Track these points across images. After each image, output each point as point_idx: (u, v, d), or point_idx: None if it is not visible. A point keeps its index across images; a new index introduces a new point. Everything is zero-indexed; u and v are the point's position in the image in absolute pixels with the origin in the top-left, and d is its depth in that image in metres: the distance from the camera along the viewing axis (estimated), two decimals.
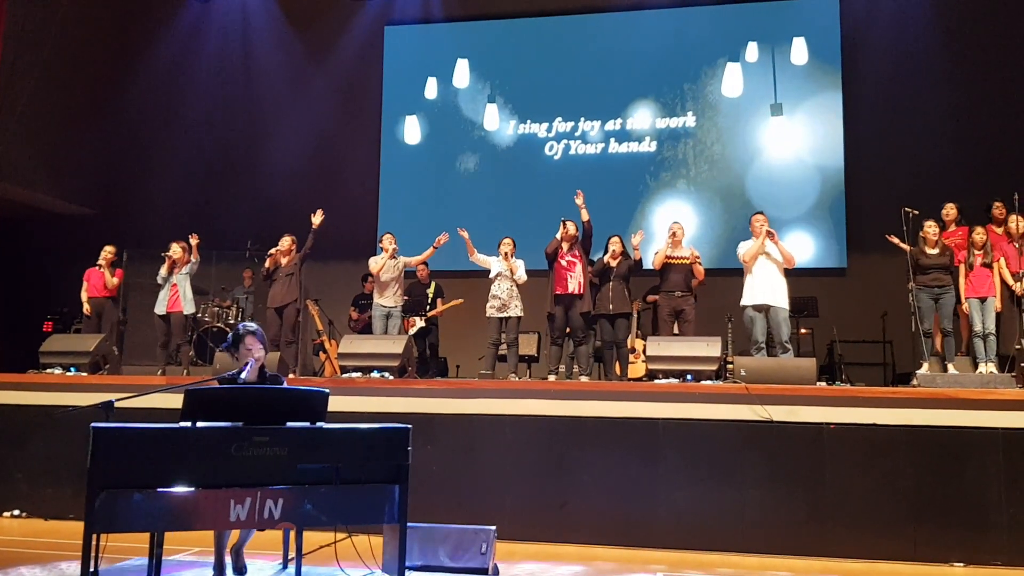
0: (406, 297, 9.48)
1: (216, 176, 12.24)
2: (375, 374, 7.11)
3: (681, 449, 6.20)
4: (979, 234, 7.61)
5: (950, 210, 8.10)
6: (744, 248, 7.67)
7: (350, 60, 12.20)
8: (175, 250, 8.64)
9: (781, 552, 5.91)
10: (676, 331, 7.95)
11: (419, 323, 9.47)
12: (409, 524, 4.10)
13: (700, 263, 7.95)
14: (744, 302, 7.55)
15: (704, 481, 6.11)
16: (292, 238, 8.72)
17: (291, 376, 7.84)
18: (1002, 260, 7.56)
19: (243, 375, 4.38)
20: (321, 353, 10.14)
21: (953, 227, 8.06)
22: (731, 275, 8.90)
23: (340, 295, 10.67)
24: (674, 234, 7.98)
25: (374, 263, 8.70)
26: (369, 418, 6.23)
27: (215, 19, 12.50)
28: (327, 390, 4.08)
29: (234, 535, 4.49)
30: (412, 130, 12.23)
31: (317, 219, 8.54)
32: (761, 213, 7.80)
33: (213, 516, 3.85)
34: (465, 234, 8.28)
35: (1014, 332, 7.17)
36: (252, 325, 4.66)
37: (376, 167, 12.21)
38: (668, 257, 7.94)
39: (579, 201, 8.05)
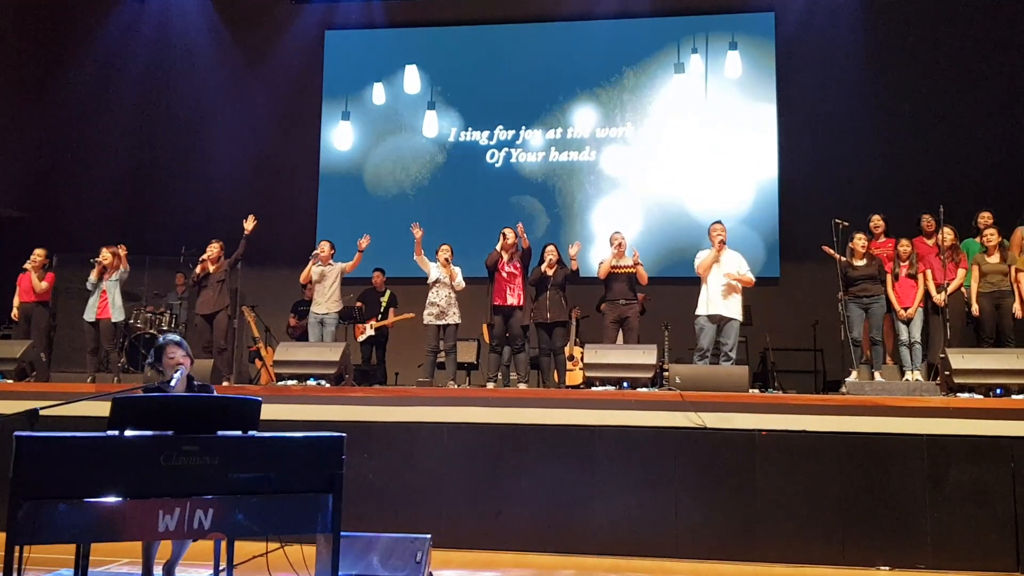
0: (359, 303, 9.43)
1: (151, 180, 12.02)
2: (311, 382, 7.04)
3: (616, 456, 6.26)
4: (904, 246, 7.86)
5: (878, 222, 8.35)
6: (699, 259, 7.76)
7: (289, 64, 12.08)
8: (105, 256, 8.46)
9: (713, 558, 5.99)
10: (620, 339, 8.04)
11: (368, 331, 9.40)
12: (343, 533, 4.05)
13: (641, 266, 8.04)
14: (699, 311, 7.63)
15: (639, 487, 6.17)
16: (220, 244, 8.60)
17: (225, 384, 7.72)
18: (928, 272, 7.79)
19: (173, 383, 4.30)
20: (257, 360, 10.01)
21: (882, 238, 8.30)
22: (669, 283, 9.06)
23: (278, 301, 10.54)
24: (619, 244, 8.05)
25: (304, 272, 8.63)
26: (305, 426, 6.19)
27: (150, 20, 12.27)
28: (259, 398, 4.02)
29: (167, 550, 4.41)
30: (349, 136, 12.15)
31: (249, 225, 8.44)
32: (719, 223, 7.86)
33: (141, 526, 3.75)
34: (418, 232, 8.24)
35: (940, 341, 7.42)
36: (173, 335, 4.60)
37: (315, 172, 12.10)
38: (613, 267, 8.01)
39: (520, 231, 8.10)
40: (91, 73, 12.02)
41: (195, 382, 4.67)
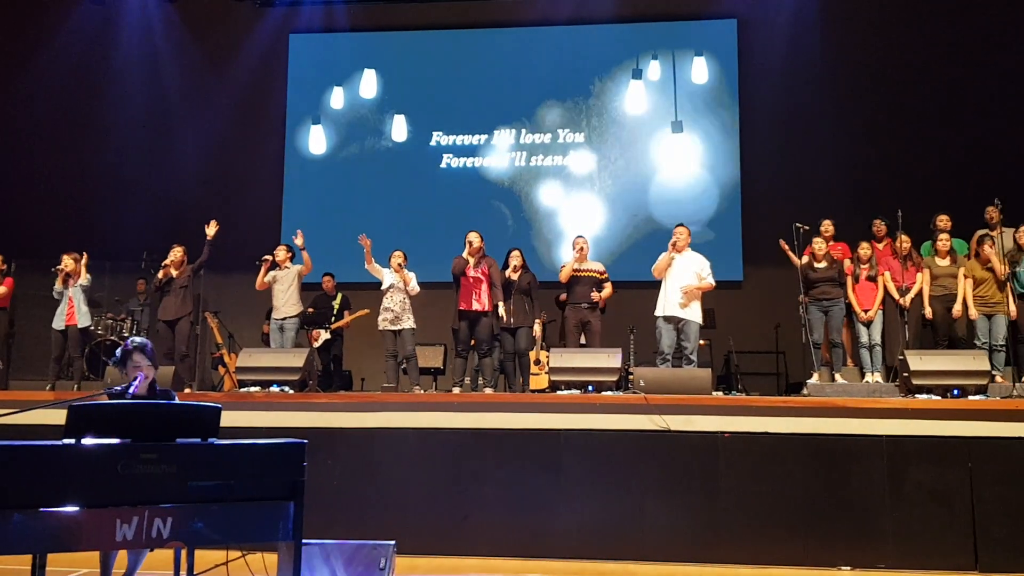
0: (311, 309, 9.35)
1: (112, 184, 11.83)
2: (274, 388, 6.98)
3: (582, 459, 6.27)
4: (864, 249, 7.98)
5: (828, 226, 8.45)
6: (657, 261, 7.79)
7: (253, 68, 11.97)
8: (67, 262, 8.35)
9: (678, 560, 6.03)
10: (583, 342, 8.06)
11: (324, 335, 9.34)
12: (305, 541, 4.02)
13: (608, 281, 8.04)
14: (657, 313, 7.67)
15: (604, 491, 6.19)
16: (183, 249, 8.50)
17: (187, 391, 7.64)
18: (887, 274, 7.92)
19: (131, 390, 4.25)
20: (220, 367, 9.90)
21: (832, 242, 8.40)
22: (635, 287, 9.10)
23: (242, 307, 10.44)
24: (580, 248, 8.08)
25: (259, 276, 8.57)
26: (268, 433, 6.11)
27: (111, 23, 12.08)
28: (219, 405, 3.97)
29: (123, 561, 4.35)
30: (317, 140, 12.08)
31: (211, 230, 8.35)
32: (682, 225, 7.89)
33: (98, 536, 3.69)
34: (366, 242, 8.20)
35: (899, 343, 7.53)
36: (140, 340, 4.53)
37: (279, 177, 12.01)
38: (575, 270, 8.03)
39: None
40: (50, 75, 11.81)
41: (158, 389, 4.61)
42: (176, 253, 8.42)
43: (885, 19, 11.02)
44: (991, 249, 7.59)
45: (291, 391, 6.98)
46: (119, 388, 4.33)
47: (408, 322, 8.06)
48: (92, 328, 9.20)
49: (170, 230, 9.77)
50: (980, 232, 8.03)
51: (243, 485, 3.90)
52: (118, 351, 4.53)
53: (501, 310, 7.98)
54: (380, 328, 8.09)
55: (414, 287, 8.13)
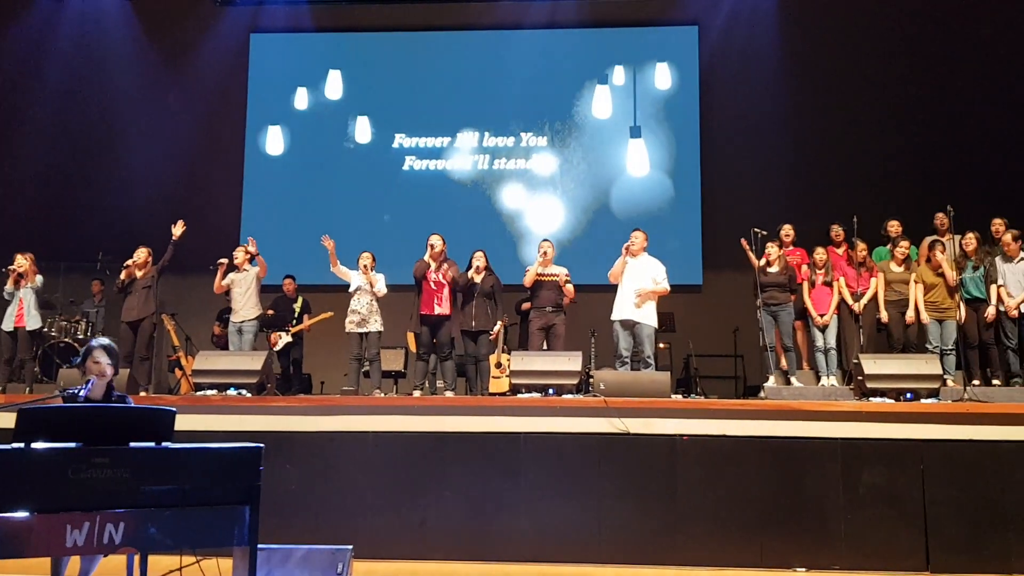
0: (271, 312, 9.26)
1: (66, 184, 11.62)
2: (231, 391, 6.90)
3: (542, 462, 6.28)
4: (820, 254, 8.10)
5: (788, 230, 8.57)
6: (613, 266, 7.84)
7: (213, 67, 11.81)
8: (20, 262, 8.19)
9: (637, 562, 6.06)
10: (546, 346, 8.08)
11: (285, 338, 9.25)
12: (261, 546, 3.98)
13: (570, 283, 8.08)
14: (613, 316, 7.71)
15: (563, 494, 6.21)
16: (148, 250, 8.39)
17: (143, 394, 7.53)
18: (842, 279, 8.04)
19: (83, 393, 4.18)
20: (177, 370, 9.75)
21: (791, 247, 8.52)
22: (596, 291, 9.12)
23: (199, 309, 10.30)
24: (544, 252, 8.09)
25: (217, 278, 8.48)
26: (225, 437, 6.00)
27: (67, 20, 11.86)
28: (174, 408, 3.93)
29: (76, 567, 4.27)
30: (276, 140, 11.97)
31: (177, 230, 8.25)
32: (638, 230, 7.92)
33: (48, 542, 3.63)
34: (330, 244, 8.15)
35: (854, 347, 7.65)
36: (104, 340, 4.47)
37: (239, 177, 11.88)
38: (539, 275, 8.05)
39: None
40: (3, 72, 11.59)
41: (115, 392, 4.53)
42: (140, 254, 8.31)
43: (841, 28, 11.22)
44: (942, 255, 7.74)
45: (249, 394, 6.91)
46: (72, 391, 4.25)
47: (375, 325, 8.02)
48: (44, 330, 9.04)
49: (127, 231, 9.64)
50: (930, 238, 8.19)
51: (198, 489, 3.85)
52: (83, 350, 4.47)
53: (471, 272, 8.00)
54: (347, 330, 8.04)
55: (380, 289, 8.09)
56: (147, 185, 11.36)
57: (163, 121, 11.71)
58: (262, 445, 3.97)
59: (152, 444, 3.85)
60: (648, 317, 7.62)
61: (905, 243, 8.03)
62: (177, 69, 11.82)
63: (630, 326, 7.60)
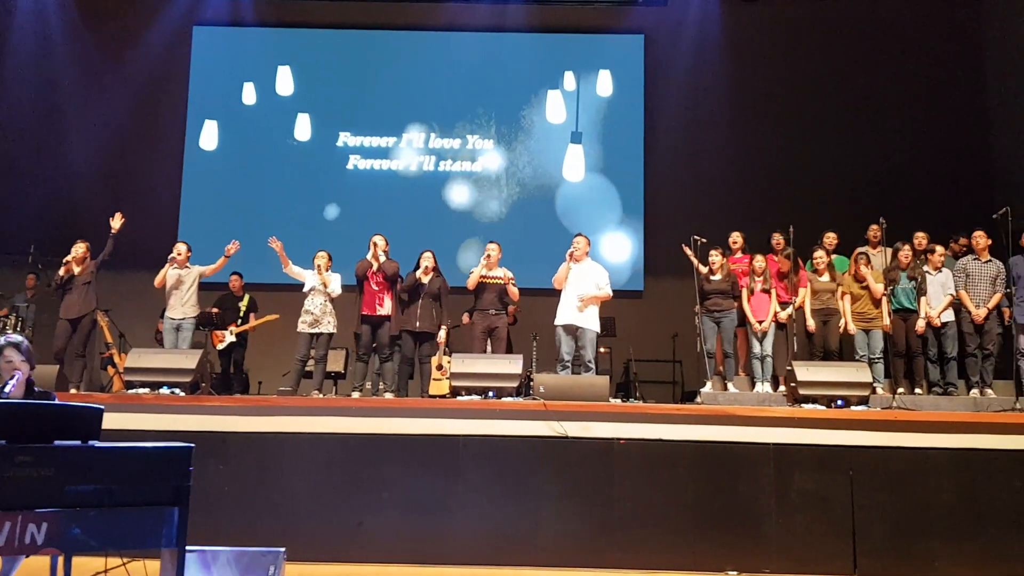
0: (215, 309, 9.11)
1: None
2: (165, 390, 6.76)
3: (480, 465, 6.27)
4: (759, 262, 8.24)
5: (736, 238, 8.72)
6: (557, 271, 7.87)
7: (153, 58, 11.62)
8: None
9: (573, 565, 6.07)
10: (489, 348, 8.07)
11: (229, 337, 9.10)
12: (190, 548, 3.92)
13: (514, 284, 8.09)
14: (556, 321, 7.74)
15: (501, 497, 6.20)
16: (87, 244, 8.18)
17: (73, 391, 7.35)
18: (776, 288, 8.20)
19: (6, 390, 4.06)
20: (110, 367, 9.54)
21: (739, 254, 8.67)
22: (539, 295, 9.17)
23: (134, 306, 10.08)
24: (488, 255, 8.09)
25: (159, 274, 8.31)
26: (157, 437, 5.91)
27: (2, 7, 11.53)
28: (101, 406, 3.83)
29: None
30: (209, 136, 11.78)
31: (116, 224, 8.07)
32: (580, 235, 7.95)
33: None
34: (277, 245, 8.04)
35: (785, 354, 7.81)
36: (15, 337, 4.34)
37: (179, 172, 11.67)
38: (482, 277, 8.04)
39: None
40: None
41: (36, 389, 4.41)
42: (79, 249, 8.10)
43: (782, 43, 11.50)
44: (866, 268, 7.96)
45: (182, 393, 6.78)
46: None
47: (328, 326, 7.92)
48: None
49: (62, 224, 9.43)
50: (860, 249, 8.39)
51: (125, 489, 3.77)
52: None
53: (419, 273, 7.95)
54: (299, 330, 7.93)
55: (335, 289, 7.99)
56: (83, 178, 11.12)
57: (101, 113, 11.45)
58: (192, 445, 3.89)
59: (78, 443, 3.76)
60: (591, 322, 7.68)
61: (821, 253, 8.20)
62: (117, 59, 11.59)
63: (573, 330, 7.64)
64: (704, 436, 6.29)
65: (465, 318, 8.33)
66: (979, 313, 7.81)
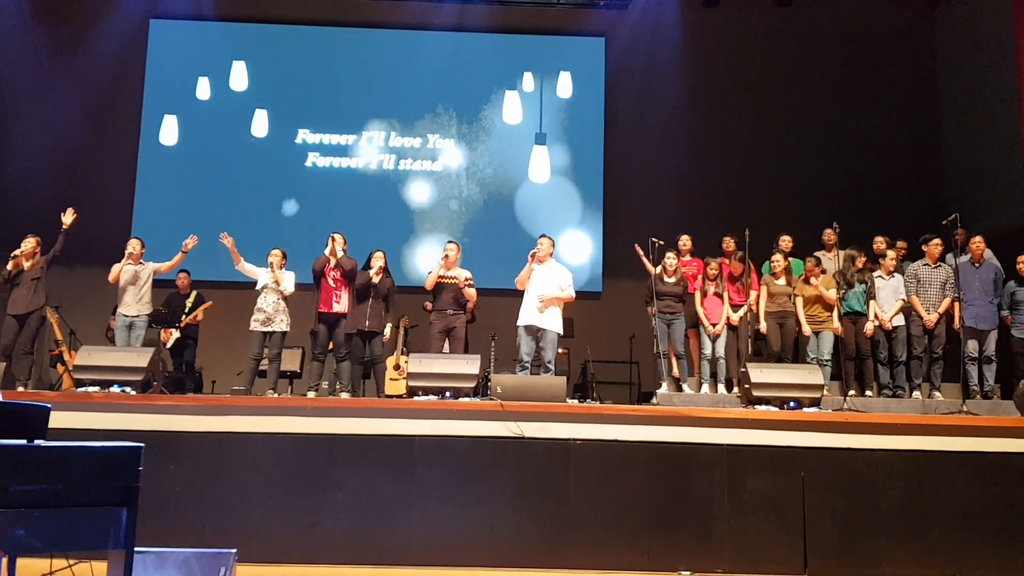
0: (163, 308, 8.98)
1: None
2: (115, 388, 6.64)
3: (436, 466, 6.25)
4: (712, 267, 8.33)
5: (685, 241, 8.80)
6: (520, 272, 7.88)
7: (108, 52, 11.42)
8: None
9: (528, 565, 6.08)
10: (446, 348, 8.06)
11: (176, 334, 8.98)
12: (138, 549, 3.85)
13: (472, 286, 8.09)
14: (519, 322, 7.75)
15: (457, 497, 6.19)
16: (37, 239, 8.02)
17: (20, 389, 7.20)
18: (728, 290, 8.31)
19: None
20: (60, 365, 9.36)
21: (688, 257, 8.75)
22: (498, 295, 9.19)
23: (85, 302, 9.92)
24: (446, 255, 8.07)
25: (113, 269, 8.17)
26: (107, 436, 5.81)
27: None
28: (47, 404, 3.77)
29: None
30: (173, 131, 11.61)
31: (67, 219, 7.93)
32: (545, 236, 7.96)
33: None
34: (229, 241, 7.94)
35: (737, 356, 7.90)
36: None
37: (133, 167, 11.48)
38: (440, 277, 8.02)
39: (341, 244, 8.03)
40: None
41: None
42: (28, 244, 7.94)
43: (740, 47, 11.66)
44: (816, 280, 8.07)
45: (133, 392, 6.67)
46: None
47: (281, 324, 7.85)
48: None
49: (10, 218, 9.21)
50: (817, 253, 8.53)
51: (71, 490, 3.70)
52: None
53: (372, 272, 7.89)
54: (251, 328, 7.84)
55: (288, 287, 7.93)
56: (34, 171, 10.91)
57: (54, 106, 11.24)
58: (142, 444, 3.84)
59: (23, 442, 3.68)
60: (553, 324, 7.70)
61: (777, 256, 8.32)
62: (72, 52, 11.38)
63: (534, 331, 7.66)
64: (659, 437, 6.33)
65: (428, 306, 8.29)
66: (930, 318, 7.98)
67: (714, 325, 8.13)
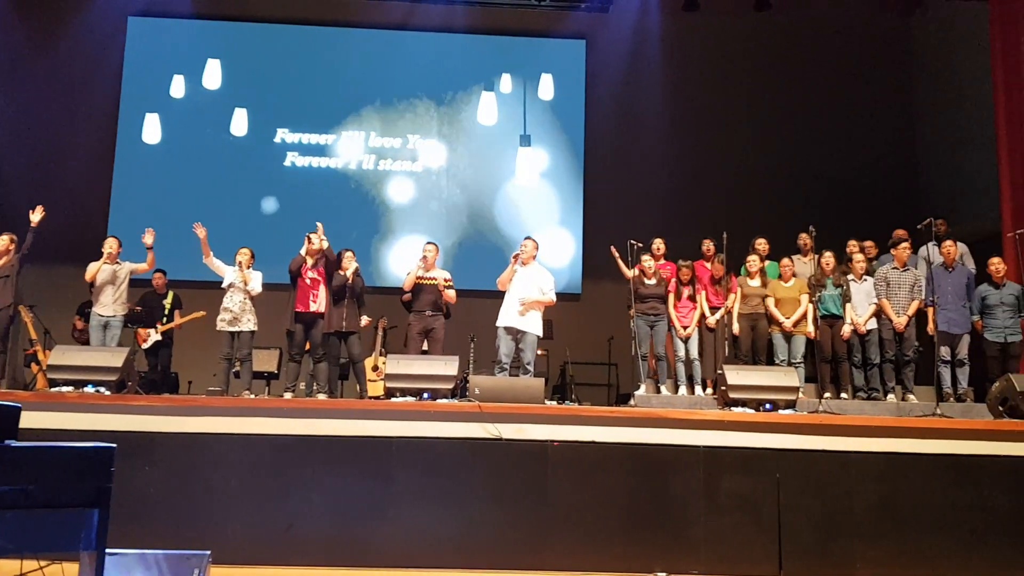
0: (139, 308, 8.91)
1: None
2: (89, 388, 6.58)
3: (413, 467, 6.23)
4: (684, 272, 8.36)
5: (659, 244, 8.82)
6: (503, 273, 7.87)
7: (85, 49, 11.33)
8: None
9: (505, 567, 6.07)
10: (425, 349, 8.04)
11: (154, 336, 8.91)
12: (111, 551, 3.82)
13: (451, 287, 8.07)
14: (499, 323, 7.74)
15: (434, 499, 6.17)
16: (11, 236, 7.94)
17: None
18: (703, 293, 8.34)
19: None
20: (34, 364, 9.27)
21: (662, 260, 8.77)
22: (477, 296, 9.18)
23: (60, 301, 9.82)
24: (424, 257, 8.06)
25: (90, 268, 8.09)
26: (81, 436, 5.73)
27: None
28: (18, 404, 3.72)
29: None
30: (151, 129, 11.52)
31: (36, 217, 7.84)
32: (530, 238, 7.97)
33: None
34: (202, 232, 7.88)
35: (714, 358, 7.95)
36: None
37: (109, 165, 11.39)
38: (419, 278, 8.01)
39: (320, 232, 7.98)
40: None
41: None
42: (2, 241, 7.86)
43: (721, 50, 11.76)
44: (791, 280, 8.13)
45: (108, 392, 6.61)
46: None
47: (248, 324, 7.81)
48: None
49: None
50: (793, 256, 8.59)
51: (42, 490, 3.66)
52: None
53: (349, 273, 7.84)
54: (218, 328, 7.79)
55: (255, 287, 7.88)
56: (9, 169, 10.76)
57: (30, 103, 11.12)
58: (114, 445, 3.81)
59: None
60: (533, 326, 7.71)
61: (754, 258, 8.36)
62: (48, 49, 11.26)
63: (514, 333, 7.66)
64: (637, 439, 6.34)
65: (406, 297, 8.25)
66: (900, 321, 8.05)
67: (685, 328, 8.17)
